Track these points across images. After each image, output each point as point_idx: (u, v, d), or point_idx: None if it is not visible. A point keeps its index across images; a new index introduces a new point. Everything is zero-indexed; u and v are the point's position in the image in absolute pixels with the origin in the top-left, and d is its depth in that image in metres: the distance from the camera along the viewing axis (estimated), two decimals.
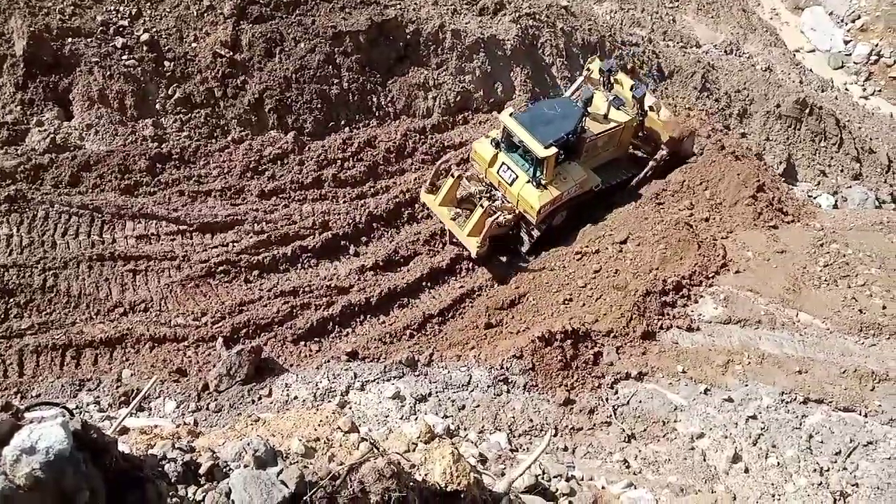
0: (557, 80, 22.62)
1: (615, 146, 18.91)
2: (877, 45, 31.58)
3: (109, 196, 15.76)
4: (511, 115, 16.61)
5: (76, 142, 16.31)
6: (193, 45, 18.04)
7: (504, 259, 18.15)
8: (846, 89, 30.67)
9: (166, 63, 17.64)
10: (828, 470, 12.58)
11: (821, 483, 12.30)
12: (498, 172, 17.07)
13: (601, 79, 18.79)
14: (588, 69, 19.37)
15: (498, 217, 16.85)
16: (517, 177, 16.77)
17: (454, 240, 17.45)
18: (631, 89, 18.45)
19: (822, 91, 29.05)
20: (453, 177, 17.10)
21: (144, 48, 17.47)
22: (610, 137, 18.37)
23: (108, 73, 16.87)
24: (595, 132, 17.61)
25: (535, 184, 16.55)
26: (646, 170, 19.54)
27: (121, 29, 17.51)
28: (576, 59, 23.37)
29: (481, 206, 16.86)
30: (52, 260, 14.27)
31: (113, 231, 15.36)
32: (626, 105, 18.58)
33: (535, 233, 17.44)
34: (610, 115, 18.07)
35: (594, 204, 18.69)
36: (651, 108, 19.14)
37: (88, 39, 17.06)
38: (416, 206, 18.22)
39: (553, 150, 16.00)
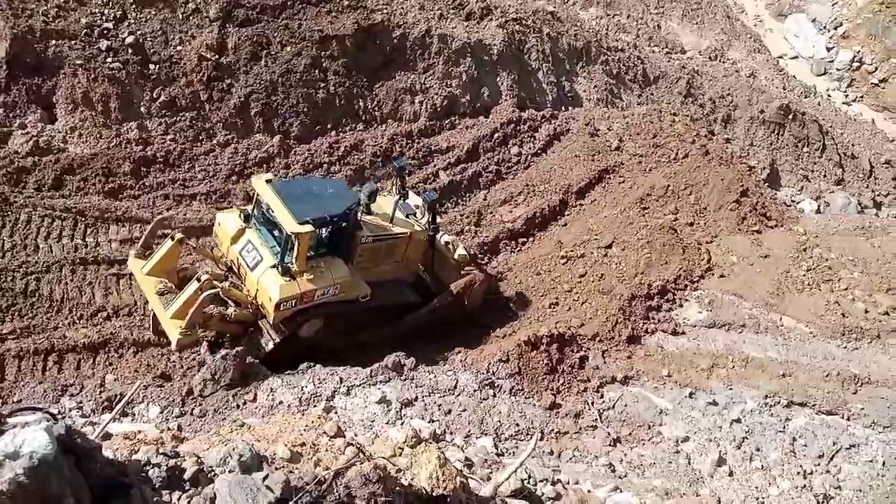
0: (543, 84, 22.73)
1: (398, 261, 15.04)
2: (859, 52, 32.02)
3: (93, 199, 15.64)
4: (268, 181, 13.03)
5: (59, 145, 16.19)
6: (179, 48, 17.96)
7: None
8: (829, 95, 31.09)
9: (151, 66, 17.56)
10: (811, 473, 12.69)
11: (804, 486, 12.41)
12: (240, 252, 13.16)
13: (392, 179, 15.79)
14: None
15: (228, 308, 13.07)
16: (261, 259, 12.90)
17: (158, 326, 13.33)
18: (420, 193, 15.61)
19: (805, 97, 29.40)
20: (172, 239, 13.17)
21: (129, 51, 17.38)
22: (392, 247, 14.69)
23: (93, 75, 16.76)
24: (373, 234, 14.09)
25: (280, 270, 12.65)
26: (426, 308, 15.47)
27: (105, 31, 17.40)
28: (562, 64, 23.52)
29: (198, 279, 12.61)
30: (35, 264, 14.13)
31: (96, 235, 15.24)
32: (417, 216, 15.00)
33: (275, 336, 13.32)
34: (395, 220, 14.63)
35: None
36: (447, 244, 15.78)
37: (72, 42, 16.95)
38: None
39: (308, 228, 12.34)
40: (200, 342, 13.20)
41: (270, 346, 13.43)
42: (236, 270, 13.55)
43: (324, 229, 13.04)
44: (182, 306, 12.52)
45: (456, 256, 15.76)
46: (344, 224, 13.33)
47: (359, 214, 13.75)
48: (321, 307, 13.46)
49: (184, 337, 12.49)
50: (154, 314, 13.32)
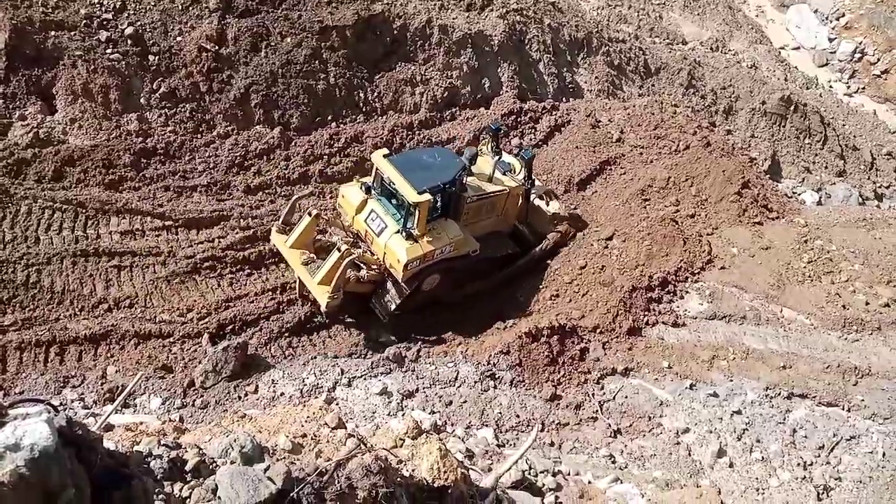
0: (544, 75, 22.66)
1: (498, 215, 16.70)
2: (861, 43, 31.88)
3: (93, 191, 15.62)
4: (385, 156, 14.68)
5: (60, 136, 16.15)
6: (178, 39, 17.91)
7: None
8: (830, 87, 30.97)
9: (151, 57, 17.50)
10: (811, 464, 12.72)
11: (804, 477, 12.44)
12: (366, 220, 14.94)
13: (489, 141, 17.04)
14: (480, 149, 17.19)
15: (360, 270, 14.79)
16: (386, 226, 14.61)
17: (304, 291, 15.09)
18: (518, 150, 17.16)
19: (807, 88, 29.30)
20: (310, 215, 14.85)
21: (129, 42, 17.32)
22: (493, 203, 16.27)
23: (92, 66, 16.71)
24: (477, 194, 15.61)
25: (405, 235, 14.32)
26: (527, 257, 17.25)
27: (105, 22, 17.34)
28: (563, 55, 23.44)
29: (338, 249, 14.32)
30: (36, 255, 14.13)
31: (97, 226, 15.23)
32: (513, 173, 16.77)
33: (404, 291, 14.85)
34: (495, 178, 16.17)
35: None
36: (541, 198, 17.57)
37: (72, 33, 16.89)
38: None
39: (427, 196, 14.02)
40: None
41: (397, 301, 15.03)
42: (362, 237, 15.28)
43: (438, 195, 14.53)
44: (327, 273, 14.15)
45: (550, 210, 17.62)
46: (453, 188, 14.88)
47: (464, 178, 15.19)
48: (439, 264, 15.15)
49: (332, 300, 14.09)
50: (300, 281, 14.91)
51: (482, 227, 16.19)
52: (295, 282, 15.29)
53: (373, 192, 15.09)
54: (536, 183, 17.52)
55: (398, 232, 14.42)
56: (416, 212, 14.11)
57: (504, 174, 16.48)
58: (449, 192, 14.85)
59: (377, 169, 14.74)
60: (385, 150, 15.26)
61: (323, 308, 14.34)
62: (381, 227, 14.69)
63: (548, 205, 17.65)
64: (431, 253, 14.63)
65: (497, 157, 16.46)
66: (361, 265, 14.80)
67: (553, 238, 17.42)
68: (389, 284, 15.03)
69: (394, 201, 14.80)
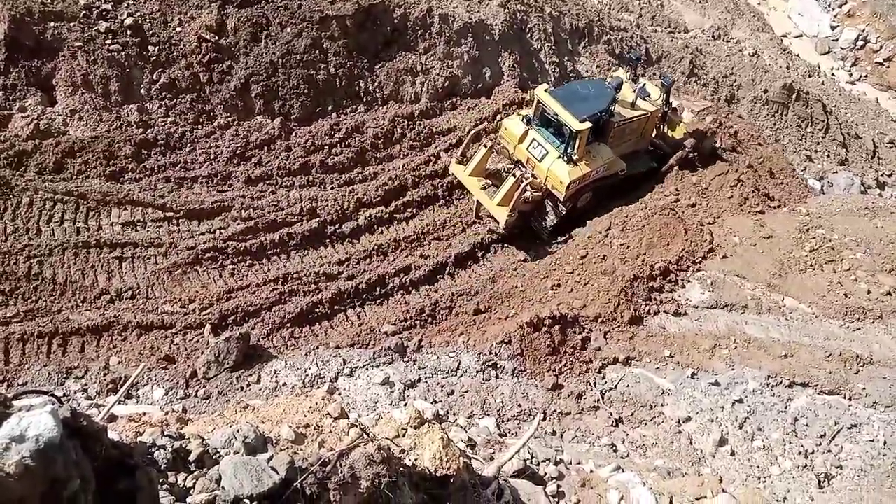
0: (545, 65, 22.57)
1: (639, 136, 19.04)
2: (863, 31, 31.72)
3: (94, 182, 15.61)
4: (546, 90, 16.92)
5: (60, 128, 16.12)
6: (178, 29, 17.84)
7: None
8: (833, 75, 30.82)
9: (151, 48, 17.44)
10: (812, 452, 12.75)
11: (805, 465, 12.48)
12: (528, 149, 17.22)
13: (628, 69, 19.22)
14: (612, 76, 19.43)
15: (526, 192, 16.88)
16: (547, 153, 16.90)
17: (481, 212, 17.76)
18: (660, 78, 19.17)
19: (809, 76, 29.17)
20: (485, 147, 17.27)
21: (128, 33, 17.25)
22: (636, 126, 18.54)
23: (92, 57, 16.66)
24: (623, 119, 17.78)
25: (566, 159, 16.66)
26: (671, 161, 19.55)
27: (104, 13, 17.27)
28: (564, 43, 23.33)
29: (513, 174, 17.01)
30: (37, 247, 14.14)
31: (98, 218, 15.23)
32: (651, 97, 18.71)
33: (562, 210, 17.43)
34: (637, 103, 18.25)
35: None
36: (675, 110, 19.68)
37: (71, 23, 16.83)
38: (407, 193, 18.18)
39: (588, 124, 16.22)
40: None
41: (558, 217, 17.62)
42: (524, 163, 17.50)
43: (594, 122, 16.59)
44: (505, 195, 16.81)
45: (685, 119, 20.19)
46: (607, 115, 17.11)
47: (614, 104, 17.31)
48: (593, 183, 17.69)
49: (510, 217, 16.78)
50: (478, 203, 17.66)
51: (624, 147, 18.38)
52: (473, 206, 17.91)
53: (533, 123, 17.19)
54: (674, 104, 19.74)
55: (559, 157, 16.70)
56: (578, 138, 16.33)
57: (644, 99, 18.37)
58: (603, 119, 16.98)
59: (539, 101, 16.90)
60: (546, 85, 17.65)
61: (502, 224, 16.97)
62: (543, 154, 16.93)
63: (681, 116, 20.05)
64: (589, 174, 17.02)
65: (638, 85, 18.46)
66: (528, 188, 16.89)
67: (691, 142, 19.63)
68: (548, 205, 17.52)
69: (552, 130, 17.01)
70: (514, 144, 17.46)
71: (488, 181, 17.48)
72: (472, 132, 18.16)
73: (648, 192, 18.90)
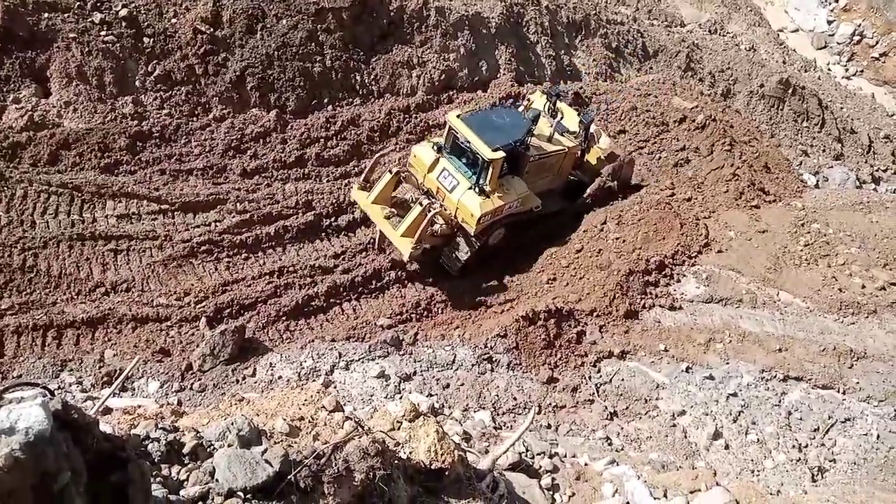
0: (542, 58, 22.55)
1: (555, 174, 17.69)
2: (860, 26, 31.75)
3: (89, 175, 15.54)
4: (459, 116, 15.55)
5: (54, 119, 16.04)
6: (173, 20, 17.75)
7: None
8: (829, 69, 30.87)
9: (146, 39, 17.36)
10: (806, 446, 12.80)
11: (799, 459, 12.52)
12: (438, 178, 15.80)
13: (546, 104, 17.87)
14: (528, 99, 18.43)
15: (434, 224, 15.58)
16: (458, 183, 15.53)
17: (384, 244, 16.39)
18: (578, 115, 17.84)
19: (805, 71, 29.21)
20: (391, 173, 15.84)
21: (123, 24, 17.16)
22: (551, 163, 17.24)
23: (87, 49, 16.57)
24: (538, 153, 16.54)
25: (477, 190, 15.33)
26: (588, 191, 18.26)
27: (99, 4, 17.17)
28: (560, 37, 23.31)
29: (420, 204, 15.53)
30: (32, 239, 14.09)
31: (93, 210, 15.17)
32: (569, 133, 17.60)
33: (474, 244, 15.94)
34: (553, 139, 17.08)
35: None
36: (591, 135, 18.33)
37: (65, 14, 16.73)
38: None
39: (500, 154, 14.98)
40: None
41: (468, 254, 16.11)
42: (434, 194, 16.08)
43: (508, 153, 15.35)
44: (410, 226, 15.25)
45: (602, 145, 18.58)
46: (522, 147, 15.80)
47: (530, 136, 16.07)
48: (506, 219, 16.31)
49: (414, 250, 15.21)
50: (381, 233, 16.13)
51: (540, 185, 17.05)
52: (375, 236, 16.51)
53: (444, 151, 15.85)
54: (601, 139, 18.66)
55: (470, 188, 15.42)
56: (490, 168, 15.08)
57: (562, 134, 17.35)
58: (517, 151, 15.73)
59: (451, 129, 15.51)
60: (458, 112, 16.10)
61: (406, 258, 15.46)
62: (454, 184, 15.61)
63: (597, 141, 18.58)
64: (501, 208, 15.75)
65: (556, 119, 17.45)
66: (436, 220, 15.71)
67: (607, 172, 18.27)
68: (460, 239, 16.10)
69: (464, 159, 15.63)
70: (424, 173, 16.03)
71: (393, 210, 15.94)
72: (377, 155, 16.80)
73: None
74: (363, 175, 16.20)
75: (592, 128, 18.19)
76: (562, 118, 17.62)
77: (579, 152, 18.00)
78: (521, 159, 16.06)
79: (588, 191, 18.25)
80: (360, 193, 16.07)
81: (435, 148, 15.96)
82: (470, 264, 16.36)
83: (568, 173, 18.32)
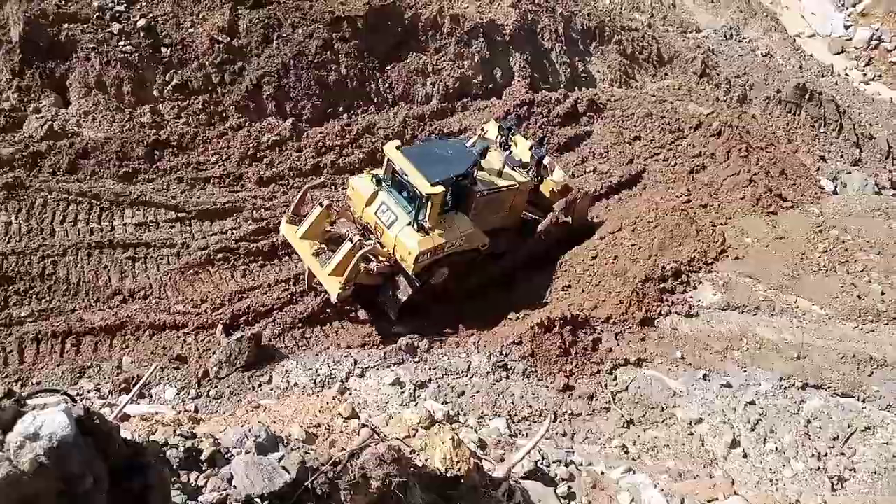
0: (557, 65, 22.55)
1: (506, 211, 16.34)
2: (877, 30, 31.49)
3: (108, 183, 15.73)
4: (398, 148, 14.51)
5: (74, 129, 16.27)
6: (191, 30, 17.96)
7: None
8: (846, 74, 30.61)
9: (163, 49, 17.57)
10: (825, 455, 12.65)
11: (818, 468, 12.38)
12: (376, 213, 14.70)
13: (498, 137, 16.78)
14: (483, 129, 17.38)
15: (370, 262, 14.44)
16: (397, 218, 14.44)
17: (313, 282, 15.12)
18: (530, 149, 16.79)
19: (823, 76, 29.00)
20: (321, 206, 14.72)
21: (141, 34, 17.39)
22: (502, 199, 15.96)
23: (105, 59, 16.80)
24: (486, 188, 15.35)
25: (416, 227, 14.17)
26: (540, 227, 16.92)
27: (117, 14, 17.42)
28: (575, 44, 23.30)
29: (350, 240, 14.16)
30: (51, 247, 14.26)
31: (112, 218, 15.34)
32: (521, 168, 16.51)
33: (414, 284, 14.71)
34: (504, 173, 15.88)
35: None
36: (544, 166, 17.10)
37: (85, 25, 16.98)
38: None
39: (440, 188, 13.85)
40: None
41: (407, 295, 14.79)
42: (372, 229, 14.98)
43: (450, 188, 14.33)
44: (339, 264, 14.00)
45: (555, 178, 17.13)
46: (466, 181, 14.75)
47: (475, 171, 15.04)
48: (449, 257, 15.01)
49: (343, 291, 13.98)
50: (309, 271, 14.87)
51: (490, 222, 15.79)
52: (304, 273, 15.25)
53: (383, 184, 14.83)
54: (555, 171, 17.30)
55: (409, 224, 14.27)
56: (429, 204, 13.94)
57: (513, 169, 16.17)
58: (461, 185, 14.67)
59: (389, 161, 14.48)
60: (397, 142, 15.06)
61: (333, 299, 14.16)
62: (392, 220, 14.49)
63: (551, 174, 17.20)
64: (443, 246, 14.49)
65: (507, 152, 16.27)
66: (372, 257, 14.52)
67: (560, 207, 16.86)
68: (399, 278, 14.81)
69: (405, 193, 14.56)
70: (362, 207, 14.94)
71: (324, 246, 14.71)
72: (306, 187, 15.64)
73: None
74: (291, 207, 15.13)
75: (546, 160, 17.07)
76: (513, 151, 16.54)
77: (531, 188, 16.70)
78: (466, 194, 14.97)
79: (539, 227, 16.90)
80: (289, 227, 14.88)
81: (374, 180, 14.87)
82: (412, 304, 15.12)
83: (522, 210, 16.98)
